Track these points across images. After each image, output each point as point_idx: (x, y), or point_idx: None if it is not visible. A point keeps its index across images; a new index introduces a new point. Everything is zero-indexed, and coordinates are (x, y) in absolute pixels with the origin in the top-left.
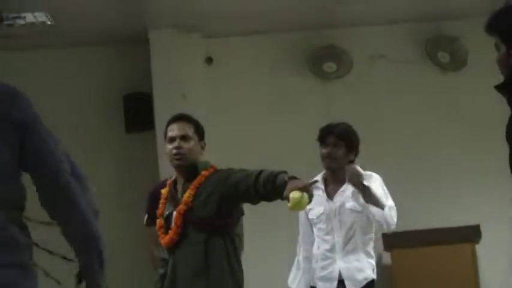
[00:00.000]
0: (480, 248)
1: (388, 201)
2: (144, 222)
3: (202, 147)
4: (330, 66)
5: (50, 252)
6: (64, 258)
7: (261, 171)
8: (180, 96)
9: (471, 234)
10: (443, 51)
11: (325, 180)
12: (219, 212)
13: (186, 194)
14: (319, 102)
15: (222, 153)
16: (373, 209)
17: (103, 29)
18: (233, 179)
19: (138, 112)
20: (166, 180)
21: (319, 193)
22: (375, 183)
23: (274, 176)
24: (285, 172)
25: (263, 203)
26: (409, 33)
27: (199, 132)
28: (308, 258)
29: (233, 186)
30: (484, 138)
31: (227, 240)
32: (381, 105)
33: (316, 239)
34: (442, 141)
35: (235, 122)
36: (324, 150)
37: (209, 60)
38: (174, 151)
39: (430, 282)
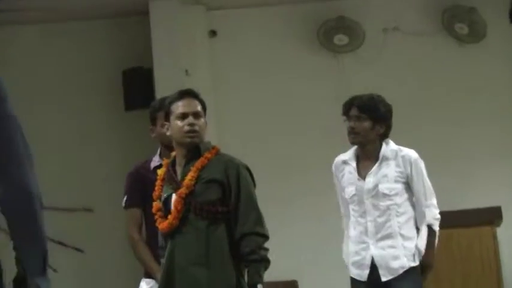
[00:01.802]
0: (501, 231)
1: (427, 201)
2: (123, 204)
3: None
4: (341, 39)
5: (62, 244)
6: (75, 249)
7: (256, 242)
8: (182, 71)
9: (492, 216)
10: (460, 23)
11: (358, 157)
12: (222, 198)
13: (188, 177)
14: (330, 76)
15: (225, 132)
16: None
17: (101, 0)
18: (236, 206)
19: (138, 88)
20: (147, 161)
21: (350, 170)
22: (418, 176)
23: (252, 274)
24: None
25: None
26: (424, 4)
27: (205, 109)
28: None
29: (232, 211)
30: (506, 116)
31: (231, 227)
32: (395, 79)
33: (352, 219)
34: (461, 118)
35: (241, 99)
36: (348, 125)
37: (213, 33)
38: (188, 128)
39: (450, 265)
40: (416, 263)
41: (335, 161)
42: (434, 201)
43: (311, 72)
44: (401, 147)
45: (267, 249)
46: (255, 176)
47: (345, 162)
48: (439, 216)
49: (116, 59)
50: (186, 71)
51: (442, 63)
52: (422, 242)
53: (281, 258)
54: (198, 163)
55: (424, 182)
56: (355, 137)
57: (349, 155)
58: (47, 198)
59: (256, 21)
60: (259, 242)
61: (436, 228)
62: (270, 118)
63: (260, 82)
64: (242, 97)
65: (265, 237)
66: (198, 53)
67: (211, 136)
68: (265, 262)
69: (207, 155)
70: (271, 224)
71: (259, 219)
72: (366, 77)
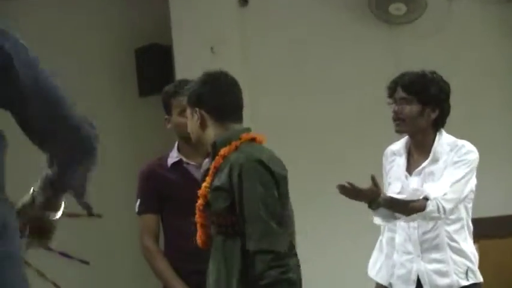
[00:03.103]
0: None
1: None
2: (136, 209)
3: None
4: (398, 8)
5: (67, 256)
6: (80, 261)
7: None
8: (207, 48)
9: None
10: None
11: (409, 149)
12: (230, 207)
13: (204, 184)
14: (384, 52)
15: (258, 117)
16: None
17: None
18: (241, 216)
19: (154, 70)
20: (163, 157)
21: (399, 164)
22: (456, 165)
23: None
24: None
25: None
26: None
27: (200, 101)
28: (394, 240)
29: (241, 223)
30: None
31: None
32: (461, 55)
33: (397, 223)
34: None
35: (276, 81)
36: (392, 109)
37: (244, 2)
38: None
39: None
40: (469, 282)
41: (386, 151)
42: (453, 196)
43: (360, 47)
44: (459, 140)
45: (281, 266)
46: (289, 164)
47: (396, 153)
48: (437, 215)
49: (128, 35)
50: (212, 48)
51: None
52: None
53: None
54: (214, 163)
55: (457, 173)
56: (399, 124)
57: (400, 145)
58: None
59: None
60: (266, 261)
61: (429, 211)
62: (309, 102)
63: (299, 59)
64: (277, 78)
65: (274, 253)
66: (226, 27)
67: (243, 120)
68: (283, 283)
69: (223, 151)
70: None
71: (264, 232)
72: (424, 53)
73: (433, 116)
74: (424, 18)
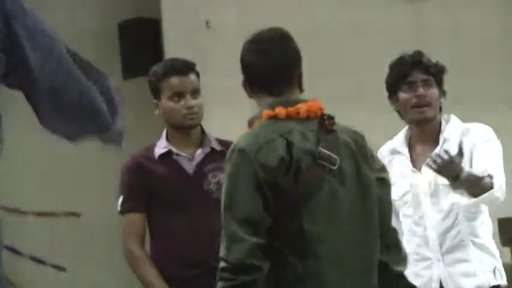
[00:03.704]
0: None
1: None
2: (119, 208)
3: None
4: None
5: (40, 262)
6: (55, 267)
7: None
8: (201, 22)
9: None
10: None
11: (410, 141)
12: None
13: None
14: (405, 27)
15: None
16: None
17: None
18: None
19: (140, 48)
20: (149, 147)
21: (401, 161)
22: (485, 147)
23: None
24: None
25: None
26: None
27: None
28: None
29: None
30: None
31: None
32: (490, 28)
33: (404, 230)
34: None
35: None
36: (407, 95)
37: None
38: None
39: None
40: (498, 282)
41: (381, 150)
42: (502, 179)
43: (379, 26)
44: (468, 124)
45: (228, 280)
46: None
47: (393, 152)
48: (499, 195)
49: (111, 7)
50: (207, 22)
51: None
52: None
53: None
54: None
55: (494, 156)
56: (426, 110)
57: (398, 140)
58: (22, 200)
59: None
60: (220, 271)
61: (496, 189)
62: (317, 88)
63: (307, 39)
64: None
65: (226, 262)
66: None
67: (243, 109)
68: None
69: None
70: None
71: (225, 236)
72: (451, 27)
73: (443, 99)
74: None
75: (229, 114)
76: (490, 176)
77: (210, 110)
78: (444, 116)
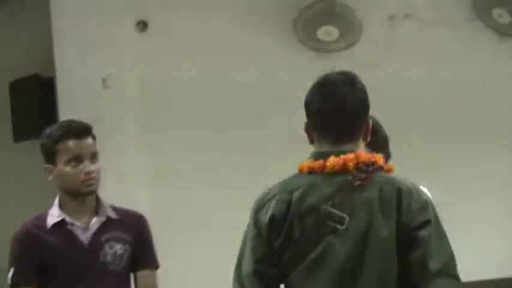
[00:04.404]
0: None
1: None
2: (8, 281)
3: None
4: (328, 33)
5: None
6: None
7: None
8: (98, 80)
9: None
10: (500, 7)
11: None
12: None
13: None
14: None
15: (159, 164)
16: None
17: None
18: None
19: (33, 108)
20: (41, 215)
21: None
22: None
23: None
24: None
25: None
26: None
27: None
28: None
29: None
30: None
31: None
32: (407, 87)
33: None
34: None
35: (181, 120)
36: None
37: (143, 25)
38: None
39: None
40: None
41: None
42: None
43: (284, 80)
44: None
45: None
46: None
47: None
48: None
49: (1, 65)
50: (104, 80)
51: (473, 64)
52: None
53: None
54: None
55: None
56: None
57: None
58: None
59: (206, 5)
60: None
61: None
62: (217, 133)
63: (210, 96)
64: (183, 117)
65: None
66: (121, 54)
67: (140, 169)
68: None
69: None
70: None
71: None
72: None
73: None
74: (361, 45)
75: (125, 179)
76: None
77: (105, 174)
78: None
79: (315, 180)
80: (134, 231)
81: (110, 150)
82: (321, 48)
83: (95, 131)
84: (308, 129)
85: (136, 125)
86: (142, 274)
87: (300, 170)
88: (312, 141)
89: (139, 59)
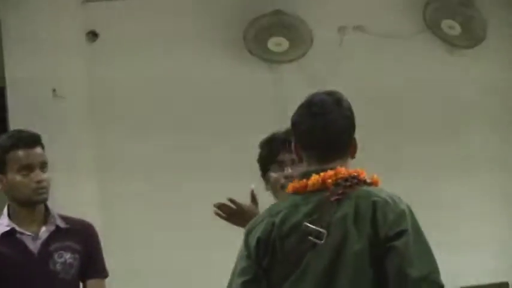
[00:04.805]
0: None
1: None
2: None
3: None
4: (278, 44)
5: None
6: None
7: None
8: (48, 90)
9: None
10: (450, 19)
11: None
12: None
13: None
14: (264, 97)
15: (108, 183)
16: None
17: None
18: None
19: None
20: None
21: None
22: None
23: None
24: None
25: None
26: None
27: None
28: None
29: None
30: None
31: None
32: (357, 98)
33: None
34: (450, 155)
35: (133, 131)
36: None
37: (93, 35)
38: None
39: None
40: None
41: None
42: None
43: (235, 93)
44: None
45: None
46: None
47: None
48: None
49: None
50: (54, 90)
51: (423, 76)
52: None
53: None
54: None
55: None
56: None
57: None
58: None
59: (156, 16)
60: None
61: None
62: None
63: (162, 107)
64: (134, 128)
65: None
66: (71, 64)
67: (91, 187)
68: None
69: None
70: None
71: None
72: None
73: None
74: (310, 56)
75: (75, 188)
76: None
77: (54, 182)
78: None
79: (296, 200)
80: (83, 240)
81: (61, 158)
82: (271, 59)
83: (45, 141)
84: (296, 149)
85: (87, 134)
86: (92, 283)
87: (288, 191)
88: (301, 160)
89: (89, 68)
